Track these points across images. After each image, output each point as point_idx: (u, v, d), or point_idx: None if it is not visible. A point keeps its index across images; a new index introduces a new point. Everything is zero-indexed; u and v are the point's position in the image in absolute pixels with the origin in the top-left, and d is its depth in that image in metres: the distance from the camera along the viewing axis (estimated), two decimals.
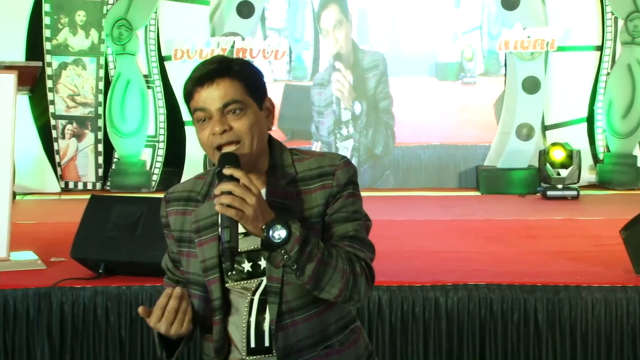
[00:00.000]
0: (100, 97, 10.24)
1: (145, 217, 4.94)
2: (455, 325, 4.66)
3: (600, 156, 10.18)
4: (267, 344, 2.17)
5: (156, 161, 10.22)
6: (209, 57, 9.79)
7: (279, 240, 2.02)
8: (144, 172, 10.13)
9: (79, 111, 10.25)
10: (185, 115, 10.20)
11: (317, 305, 2.19)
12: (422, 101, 10.26)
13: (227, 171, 2.06)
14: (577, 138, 9.97)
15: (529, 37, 9.93)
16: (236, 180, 2.04)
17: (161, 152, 10.24)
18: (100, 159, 10.29)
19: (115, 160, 10.19)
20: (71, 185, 10.24)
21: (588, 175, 9.99)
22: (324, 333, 2.20)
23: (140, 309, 2.16)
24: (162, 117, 10.24)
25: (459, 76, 10.36)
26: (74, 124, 10.24)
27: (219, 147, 2.17)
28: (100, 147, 10.29)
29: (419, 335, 4.62)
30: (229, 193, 2.01)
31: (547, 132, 10.23)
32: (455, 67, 10.37)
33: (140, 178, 10.06)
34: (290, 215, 2.11)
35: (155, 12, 10.14)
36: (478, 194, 9.65)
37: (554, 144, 9.47)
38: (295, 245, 2.03)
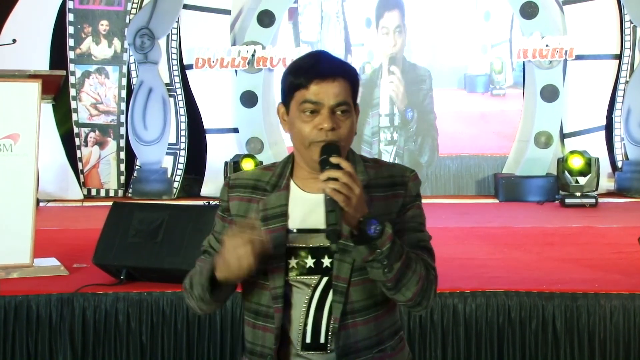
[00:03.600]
0: (123, 105, 10.30)
1: (167, 223, 4.95)
2: (474, 332, 4.64)
3: (619, 164, 10.12)
4: (322, 340, 2.17)
5: (177, 168, 10.26)
6: (229, 66, 10.06)
7: (374, 234, 2.03)
8: (165, 179, 10.17)
9: (101, 119, 10.32)
10: (207, 123, 10.25)
11: (376, 310, 2.21)
12: (452, 112, 10.29)
13: (334, 160, 2.06)
14: (595, 146, 9.93)
15: (547, 45, 9.90)
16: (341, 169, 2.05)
17: (182, 159, 10.29)
18: (122, 167, 10.34)
19: (137, 167, 10.25)
20: (93, 192, 10.30)
21: (606, 183, 9.94)
22: (379, 337, 2.22)
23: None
24: (184, 125, 10.28)
25: (488, 88, 10.38)
26: (97, 131, 10.31)
27: (315, 142, 2.15)
28: (123, 155, 10.35)
29: (437, 342, 4.61)
30: (336, 180, 2.02)
31: (566, 140, 10.19)
32: (484, 79, 10.39)
33: (162, 185, 10.11)
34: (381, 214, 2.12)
35: (177, 22, 10.19)
36: (496, 201, 9.62)
37: (572, 152, 9.42)
38: (387, 242, 2.06)
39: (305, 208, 2.19)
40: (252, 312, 2.25)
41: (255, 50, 10.06)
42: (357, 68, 10.36)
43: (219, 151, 10.12)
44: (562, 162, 9.36)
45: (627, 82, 10.03)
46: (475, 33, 10.36)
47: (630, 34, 9.99)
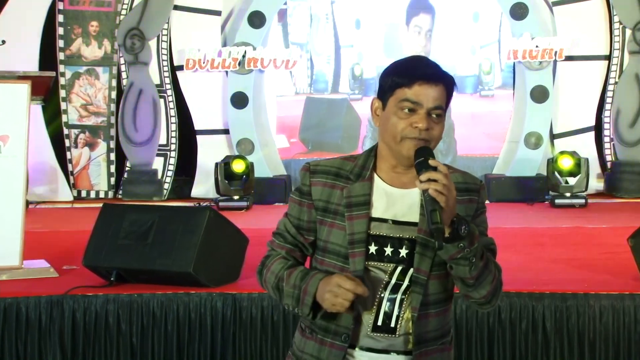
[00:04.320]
0: (113, 107, 10.28)
1: (157, 225, 4.94)
2: (464, 333, 4.65)
3: (608, 164, 10.15)
4: (392, 324, 2.32)
5: (168, 170, 10.24)
6: (220, 67, 10.04)
7: (464, 233, 2.20)
8: (155, 180, 10.15)
9: (91, 120, 10.29)
10: (197, 125, 10.24)
11: (446, 304, 2.39)
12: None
13: (433, 162, 2.21)
14: (585, 146, 9.95)
15: (537, 46, 9.92)
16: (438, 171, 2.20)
17: (173, 160, 10.26)
18: (113, 168, 10.32)
19: (127, 169, 10.22)
20: (83, 193, 10.27)
21: (596, 183, 9.97)
22: (443, 330, 2.39)
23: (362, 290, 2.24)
24: (174, 126, 10.26)
25: (476, 89, 10.40)
26: (87, 133, 10.28)
27: (408, 138, 2.29)
28: (113, 156, 10.32)
29: None
30: (436, 181, 2.17)
31: (556, 141, 10.21)
32: (473, 80, 10.41)
33: (152, 187, 10.08)
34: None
35: (168, 22, 10.17)
36: (487, 201, 9.63)
37: (562, 153, 9.44)
38: (475, 241, 2.23)
39: (388, 200, 2.35)
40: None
41: (245, 51, 10.05)
42: (346, 69, 10.44)
43: (210, 152, 10.10)
44: (552, 163, 9.38)
45: (616, 82, 10.06)
46: (464, 34, 10.37)
47: (619, 35, 10.02)
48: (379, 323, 2.32)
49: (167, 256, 4.83)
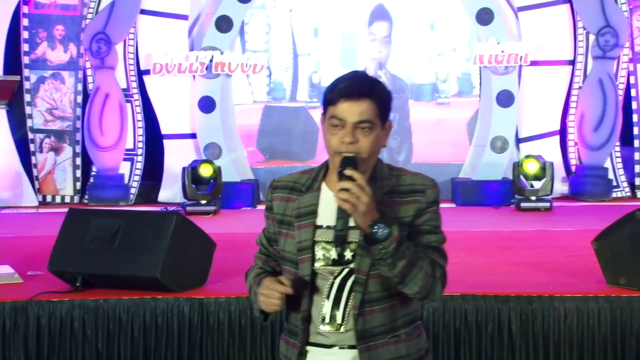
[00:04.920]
0: (79, 111, 10.19)
1: (124, 230, 4.92)
2: (431, 335, 4.66)
3: (573, 168, 10.26)
4: (339, 319, 2.51)
5: (134, 174, 10.18)
6: (187, 71, 10.01)
7: (380, 237, 2.37)
8: (122, 185, 10.08)
9: (57, 125, 10.20)
10: (164, 129, 10.20)
11: (392, 300, 2.51)
12: (398, 121, 10.37)
13: (347, 172, 2.39)
14: (550, 151, 10.05)
15: (502, 51, 10.01)
16: (354, 180, 2.37)
17: (139, 165, 10.21)
18: (79, 173, 10.24)
19: (93, 173, 10.15)
20: (49, 198, 10.18)
21: (561, 187, 10.07)
22: (393, 324, 2.53)
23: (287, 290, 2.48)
24: (141, 131, 10.21)
25: (433, 97, 10.47)
26: (52, 137, 10.19)
27: (338, 153, 2.48)
28: (79, 161, 10.25)
29: None
30: (347, 190, 2.35)
31: (521, 145, 10.30)
32: (430, 88, 10.47)
33: (119, 191, 10.01)
34: (391, 219, 2.44)
35: (134, 27, 10.12)
36: (453, 205, 9.69)
37: (527, 157, 9.52)
38: (393, 244, 2.38)
39: (334, 207, 2.47)
40: (288, 297, 2.54)
41: (213, 56, 10.03)
42: (304, 78, 10.44)
43: (177, 157, 10.06)
44: (517, 167, 9.46)
45: (580, 87, 10.17)
46: (420, 42, 10.44)
47: (583, 40, 10.14)
48: (327, 321, 2.51)
49: (133, 261, 4.80)
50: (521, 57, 9.99)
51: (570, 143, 10.29)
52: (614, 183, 10.15)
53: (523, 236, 7.41)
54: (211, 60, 10.01)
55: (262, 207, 10.47)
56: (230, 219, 8.77)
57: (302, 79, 10.54)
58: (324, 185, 2.57)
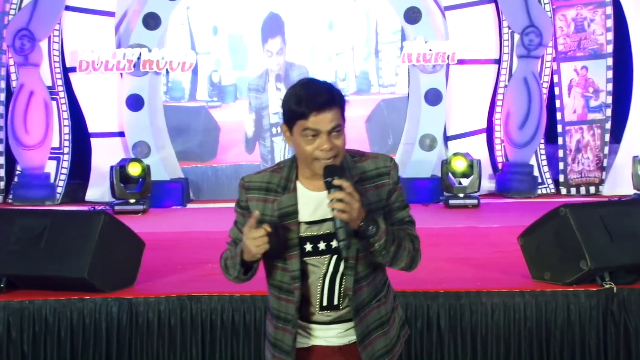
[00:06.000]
0: (2, 109, 9.98)
1: (50, 230, 4.82)
2: None
3: (499, 165, 10.44)
4: (336, 302, 2.78)
5: (61, 173, 10.02)
6: (114, 68, 9.87)
7: (371, 234, 2.62)
8: (48, 184, 9.90)
9: None
10: (91, 127, 10.06)
11: (374, 273, 2.80)
12: None
13: (337, 182, 2.58)
14: (477, 148, 10.21)
15: (430, 50, 10.12)
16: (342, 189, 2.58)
17: (66, 164, 10.05)
18: (2, 172, 10.03)
19: (17, 172, 9.95)
20: None
21: (488, 184, 10.24)
22: (376, 290, 2.82)
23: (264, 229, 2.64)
24: (67, 129, 10.04)
25: None
26: None
27: (316, 159, 2.67)
28: (2, 160, 10.04)
29: None
30: (340, 201, 2.55)
31: (449, 143, 10.44)
32: None
33: (44, 190, 9.84)
34: (375, 212, 2.69)
35: (59, 23, 9.94)
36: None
37: (455, 154, 9.66)
38: (383, 236, 2.65)
39: (313, 204, 2.72)
40: (275, 287, 2.81)
41: (141, 53, 9.92)
42: (204, 77, 10.35)
43: (105, 155, 9.93)
44: (445, 164, 9.58)
45: (506, 86, 10.36)
46: (319, 42, 10.52)
47: (508, 39, 10.33)
48: (325, 304, 2.79)
49: (60, 261, 4.72)
50: (449, 55, 10.12)
51: (497, 141, 10.47)
52: (539, 180, 10.37)
53: (451, 233, 7.50)
54: (139, 58, 9.90)
55: (192, 205, 10.41)
56: (159, 218, 8.69)
57: (202, 78, 10.46)
58: (299, 184, 2.75)
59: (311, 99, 2.65)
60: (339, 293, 2.79)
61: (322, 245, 2.74)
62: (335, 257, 2.75)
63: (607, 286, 4.73)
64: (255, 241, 2.62)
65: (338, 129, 2.66)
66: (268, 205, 2.75)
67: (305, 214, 2.73)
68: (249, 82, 10.50)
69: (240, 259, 2.71)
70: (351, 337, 2.83)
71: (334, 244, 2.71)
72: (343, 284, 2.77)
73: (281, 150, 10.43)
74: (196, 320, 4.73)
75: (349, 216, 2.57)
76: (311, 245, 2.74)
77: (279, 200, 2.74)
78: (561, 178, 10.48)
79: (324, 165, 2.65)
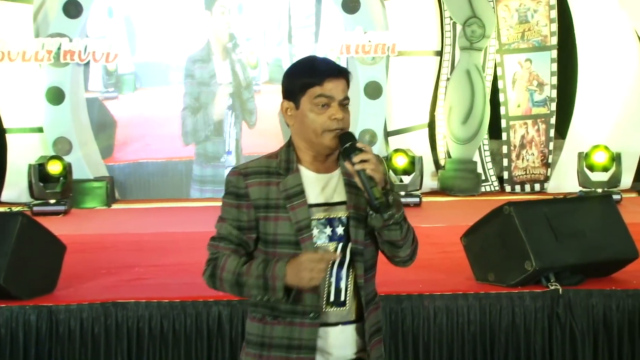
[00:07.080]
0: None
1: None
2: None
3: (442, 162, 10.52)
4: (342, 298, 2.71)
5: None
6: (33, 59, 9.70)
7: (392, 202, 2.62)
8: None
9: None
10: (7, 122, 9.87)
11: (375, 268, 2.79)
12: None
13: (360, 145, 2.62)
14: (419, 144, 10.28)
15: (370, 41, 10.15)
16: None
17: None
18: None
19: None
20: None
21: (430, 181, 10.31)
22: (374, 292, 2.80)
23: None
24: None
25: None
26: None
27: (328, 131, 2.68)
28: None
29: None
30: (367, 161, 2.58)
31: (390, 138, 10.49)
32: None
33: None
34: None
35: None
36: None
37: (396, 150, 9.70)
38: (401, 207, 2.69)
39: (318, 186, 2.71)
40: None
41: (61, 43, 9.77)
42: (98, 65, 10.07)
43: (22, 153, 9.77)
44: (386, 161, 9.62)
45: (448, 79, 10.44)
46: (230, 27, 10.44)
47: (450, 31, 10.42)
48: (332, 299, 2.70)
49: None
50: (389, 47, 10.16)
51: (439, 136, 10.55)
52: (483, 177, 10.48)
53: None
54: (59, 48, 9.75)
55: (117, 206, 10.30)
56: (82, 220, 8.59)
57: (95, 67, 10.27)
58: (300, 167, 2.73)
59: (325, 65, 2.76)
60: (346, 285, 2.72)
61: (328, 231, 2.71)
62: (340, 245, 2.71)
63: (553, 287, 4.81)
64: (317, 273, 2.55)
65: (347, 102, 2.74)
66: (272, 189, 2.71)
67: (310, 196, 2.71)
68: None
69: (282, 283, 2.59)
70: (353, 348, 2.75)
71: (339, 230, 2.71)
72: (351, 274, 2.72)
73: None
74: (122, 328, 4.68)
75: (380, 176, 2.60)
76: (317, 230, 2.70)
77: (283, 182, 2.71)
78: (505, 175, 10.60)
79: (335, 135, 2.68)
